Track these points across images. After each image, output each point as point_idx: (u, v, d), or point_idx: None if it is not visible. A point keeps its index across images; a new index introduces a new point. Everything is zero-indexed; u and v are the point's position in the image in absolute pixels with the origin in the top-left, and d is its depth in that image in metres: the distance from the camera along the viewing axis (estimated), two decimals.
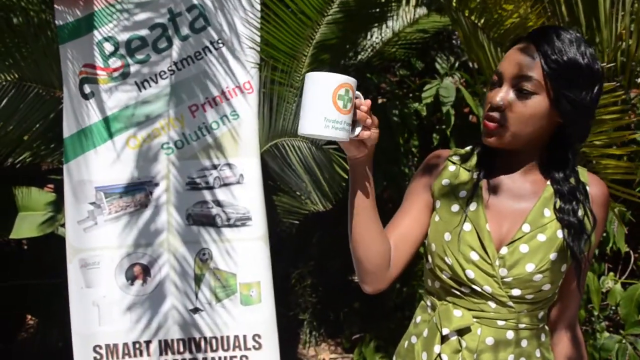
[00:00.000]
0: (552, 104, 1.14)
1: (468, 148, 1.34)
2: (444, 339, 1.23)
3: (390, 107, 3.10)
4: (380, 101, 3.37)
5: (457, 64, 3.31)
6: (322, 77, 1.08)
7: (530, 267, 1.19)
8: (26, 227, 2.86)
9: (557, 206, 1.21)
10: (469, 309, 1.22)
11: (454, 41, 3.37)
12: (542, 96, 1.13)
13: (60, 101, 2.30)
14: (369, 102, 1.14)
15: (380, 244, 1.22)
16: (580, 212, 1.20)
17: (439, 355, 1.23)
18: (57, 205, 2.90)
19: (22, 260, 3.48)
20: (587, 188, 1.24)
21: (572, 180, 1.22)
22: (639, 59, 2.24)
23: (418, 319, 1.34)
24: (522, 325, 1.23)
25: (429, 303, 1.32)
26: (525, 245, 1.19)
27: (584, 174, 1.25)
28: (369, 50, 3.22)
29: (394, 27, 3.21)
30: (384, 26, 3.14)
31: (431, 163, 1.34)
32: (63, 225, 2.90)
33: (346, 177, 2.13)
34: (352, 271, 3.91)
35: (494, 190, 1.24)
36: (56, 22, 2.25)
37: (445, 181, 1.28)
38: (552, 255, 1.19)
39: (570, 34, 1.15)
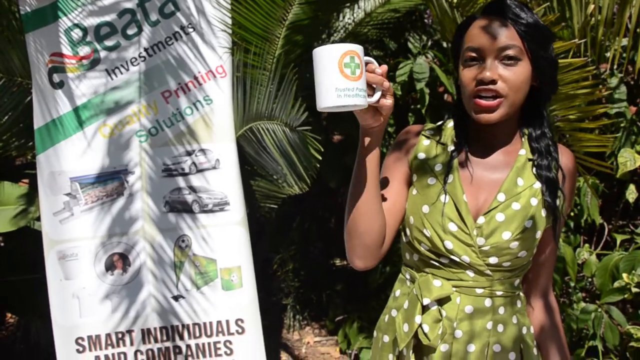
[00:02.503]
0: (533, 65, 1.20)
1: (439, 123, 1.35)
2: (424, 309, 1.25)
3: None
4: None
5: (430, 43, 3.31)
6: (326, 50, 1.09)
7: (506, 235, 1.21)
8: (0, 221, 2.81)
9: (535, 162, 1.25)
10: (448, 279, 1.25)
11: (426, 20, 3.37)
12: (525, 61, 1.18)
13: (29, 91, 2.26)
14: (385, 67, 1.14)
15: (382, 218, 1.22)
16: (553, 169, 1.25)
17: (420, 325, 1.24)
18: (30, 198, 2.85)
19: None
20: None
21: (548, 138, 1.27)
22: (607, 35, 2.26)
23: (397, 292, 1.36)
24: (498, 293, 1.26)
25: (407, 276, 1.33)
26: (501, 214, 1.22)
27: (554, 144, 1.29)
28: (342, 31, 3.21)
29: (365, 7, 3.20)
30: (355, 7, 3.13)
31: (404, 138, 1.36)
32: (38, 219, 2.87)
33: (320, 158, 2.13)
34: (334, 254, 3.92)
35: (469, 162, 1.27)
36: (20, 10, 2.20)
37: (420, 155, 1.30)
38: (527, 223, 1.22)
39: (516, 1, 1.22)
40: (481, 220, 1.22)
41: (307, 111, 2.05)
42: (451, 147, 1.28)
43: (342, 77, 1.06)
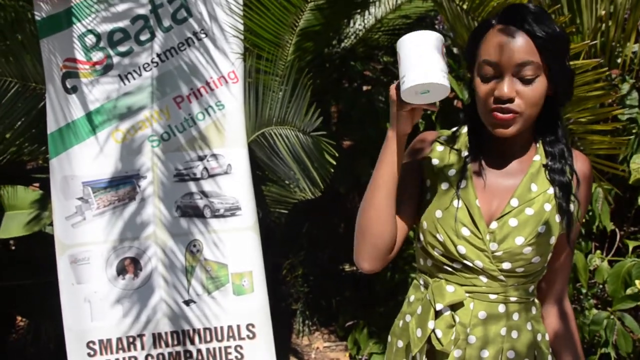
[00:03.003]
0: (549, 78, 1.18)
1: (453, 129, 1.36)
2: (437, 314, 1.25)
3: (375, 94, 3.11)
4: (365, 88, 3.37)
5: None
6: (434, 35, 1.12)
7: (519, 240, 1.21)
8: (14, 226, 2.83)
9: (548, 166, 1.25)
10: (461, 285, 1.25)
11: (437, 26, 3.37)
12: (542, 75, 1.17)
13: (42, 97, 2.28)
14: None
15: (395, 223, 1.24)
16: (567, 173, 1.25)
17: (433, 330, 1.24)
18: (44, 203, 2.87)
19: (9, 261, 3.44)
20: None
21: (562, 143, 1.26)
22: (617, 40, 2.26)
23: (412, 298, 1.36)
24: (512, 299, 1.26)
25: (421, 282, 1.33)
26: (514, 219, 1.22)
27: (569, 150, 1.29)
28: (352, 37, 3.22)
29: (376, 13, 3.21)
30: (366, 13, 3.14)
31: (418, 146, 1.36)
32: (51, 224, 2.89)
33: (334, 163, 2.13)
34: (342, 260, 3.91)
35: (483, 168, 1.27)
36: (36, 16, 2.22)
37: (434, 161, 1.31)
38: (540, 228, 1.22)
39: (535, 7, 1.19)
40: (494, 225, 1.22)
41: (321, 116, 2.06)
42: (465, 153, 1.28)
43: (445, 61, 1.12)
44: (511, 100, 1.16)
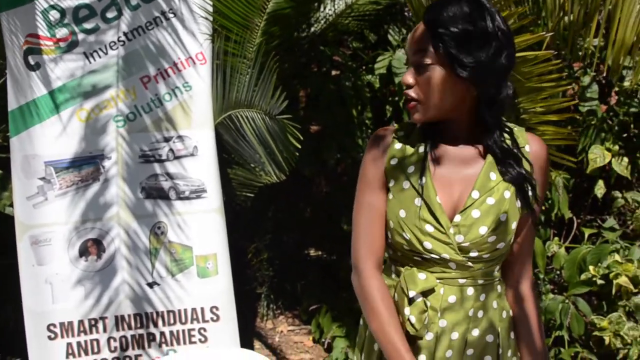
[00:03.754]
0: (450, 70, 1.18)
1: (408, 122, 1.36)
2: (410, 301, 1.28)
3: (344, 79, 3.12)
4: (333, 73, 3.38)
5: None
6: None
7: (483, 230, 1.25)
8: None
9: (498, 168, 1.26)
10: (432, 272, 1.28)
11: (406, 13, 3.39)
12: (438, 65, 1.18)
13: (2, 72, 2.21)
14: None
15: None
16: (518, 167, 1.27)
17: (408, 317, 1.28)
18: (3, 183, 2.79)
19: None
20: (527, 147, 1.29)
21: (507, 140, 1.27)
22: (579, 33, 2.30)
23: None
24: (480, 281, 1.30)
25: (392, 269, 1.36)
26: (477, 210, 1.25)
27: (522, 134, 1.30)
28: (322, 22, 3.21)
29: None
30: None
31: (378, 143, 1.35)
32: (11, 205, 2.82)
33: (299, 147, 2.14)
34: (308, 244, 3.91)
35: (440, 159, 1.28)
36: None
37: (393, 160, 1.31)
38: (502, 216, 1.26)
39: (458, 3, 1.18)
40: (458, 218, 1.25)
41: (287, 100, 2.06)
42: (421, 148, 1.29)
43: None
44: (410, 87, 1.22)
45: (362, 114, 3.18)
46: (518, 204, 1.27)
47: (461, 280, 1.28)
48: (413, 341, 1.29)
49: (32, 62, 2.22)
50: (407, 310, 1.27)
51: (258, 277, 3.55)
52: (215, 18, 2.33)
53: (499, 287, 1.36)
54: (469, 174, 1.27)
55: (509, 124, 1.31)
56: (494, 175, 1.26)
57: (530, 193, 1.27)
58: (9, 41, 2.19)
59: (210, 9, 2.33)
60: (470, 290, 1.29)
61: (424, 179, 1.26)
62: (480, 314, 1.31)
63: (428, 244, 1.25)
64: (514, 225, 1.28)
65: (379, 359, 1.36)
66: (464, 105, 1.24)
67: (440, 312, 1.28)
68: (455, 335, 1.29)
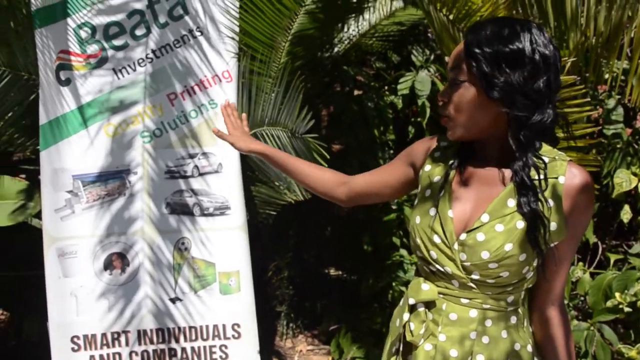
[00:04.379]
0: (480, 89, 1.18)
1: None
2: (412, 308, 1.32)
3: (367, 99, 3.13)
4: (356, 93, 3.40)
5: (432, 57, 3.35)
6: None
7: (485, 255, 1.22)
8: None
9: (516, 198, 1.22)
10: (437, 285, 1.31)
11: (429, 34, 3.41)
12: (471, 83, 1.19)
13: (35, 88, 2.27)
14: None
15: (315, 184, 1.58)
16: (539, 202, 1.20)
17: (408, 322, 1.32)
18: (30, 193, 2.84)
19: None
20: (561, 178, 1.22)
21: (532, 170, 1.21)
22: (603, 56, 2.29)
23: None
24: (486, 306, 1.28)
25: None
26: (482, 234, 1.23)
27: (562, 165, 1.23)
28: (346, 42, 3.24)
29: (370, 19, 3.24)
30: (360, 18, 3.17)
31: (417, 151, 1.41)
32: (36, 216, 2.86)
33: (325, 165, 2.14)
34: (329, 264, 3.90)
35: (466, 177, 1.29)
36: (32, 6, 2.21)
37: (427, 166, 1.35)
38: (508, 246, 1.21)
39: (499, 24, 1.19)
40: (463, 236, 1.25)
41: (313, 119, 2.07)
42: (451, 161, 1.30)
43: None
44: (444, 104, 1.24)
45: (384, 134, 3.18)
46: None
47: (464, 300, 1.28)
48: (411, 349, 1.33)
49: (62, 78, 2.27)
50: (406, 316, 1.32)
51: (278, 295, 3.55)
52: (241, 38, 2.37)
53: (513, 317, 1.31)
54: (487, 196, 1.25)
55: (555, 153, 1.25)
56: (512, 203, 1.22)
57: (542, 231, 1.20)
58: (42, 57, 2.24)
59: (237, 28, 2.37)
60: (473, 313, 1.28)
61: (442, 192, 1.29)
62: (485, 339, 1.28)
63: (434, 254, 1.27)
64: (522, 257, 1.22)
65: (388, 353, 1.41)
66: (496, 127, 1.22)
67: (441, 326, 1.29)
68: (454, 353, 1.28)
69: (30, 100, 2.29)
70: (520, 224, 1.21)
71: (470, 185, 1.28)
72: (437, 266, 1.28)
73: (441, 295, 1.29)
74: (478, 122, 1.22)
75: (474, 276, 1.25)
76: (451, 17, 2.08)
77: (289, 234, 3.62)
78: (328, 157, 2.11)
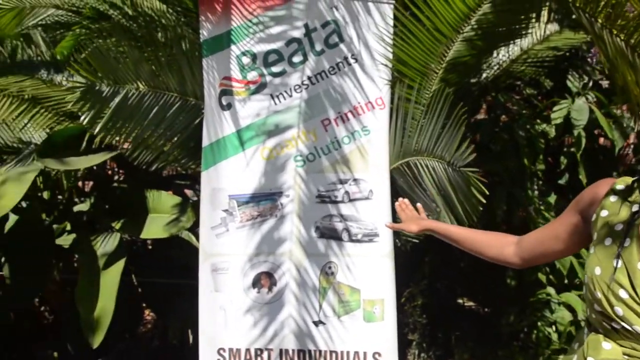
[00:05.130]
0: None
1: (632, 179, 1.27)
2: None
3: (517, 127, 3.00)
4: (504, 120, 3.26)
5: (590, 84, 3.14)
6: None
7: None
8: (155, 228, 3.01)
9: None
10: (620, 345, 1.19)
11: (588, 59, 3.20)
12: None
13: (199, 112, 2.41)
14: None
15: (484, 249, 1.54)
16: None
17: None
18: (183, 208, 3.03)
19: (145, 259, 3.67)
20: None
21: None
22: None
23: (576, 345, 1.34)
24: None
25: (585, 330, 1.30)
26: None
27: None
28: (495, 67, 3.13)
29: (522, 44, 3.10)
30: (511, 43, 3.04)
31: (590, 196, 1.32)
32: (188, 229, 3.05)
33: (484, 201, 2.07)
34: (462, 293, 3.76)
35: None
36: (201, 37, 2.36)
37: (604, 212, 1.26)
38: None
39: None
40: None
41: (474, 153, 2.01)
42: (635, 207, 1.20)
43: None
44: None
45: (534, 164, 3.02)
46: None
47: None
48: None
49: (224, 103, 2.40)
50: None
51: (410, 323, 3.48)
52: (394, 65, 2.37)
53: None
54: None
55: None
56: None
57: None
58: (207, 84, 2.38)
59: (390, 55, 2.37)
60: None
61: (628, 241, 1.18)
62: None
63: (619, 310, 1.16)
64: None
65: None
66: None
67: None
68: None
69: (195, 124, 2.43)
70: None
71: None
72: (623, 324, 1.16)
73: (626, 357, 1.18)
74: None
75: None
76: (632, 41, 1.93)
77: (425, 261, 3.54)
78: (487, 193, 2.03)
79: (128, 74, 2.31)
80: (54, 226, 3.28)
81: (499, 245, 1.51)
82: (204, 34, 2.37)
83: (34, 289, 3.22)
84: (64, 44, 3.13)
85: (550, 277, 3.02)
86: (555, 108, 3.03)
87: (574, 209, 1.35)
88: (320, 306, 2.32)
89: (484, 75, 3.13)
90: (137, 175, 3.31)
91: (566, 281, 2.98)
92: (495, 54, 3.10)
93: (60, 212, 3.44)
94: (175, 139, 2.42)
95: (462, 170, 2.04)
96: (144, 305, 3.83)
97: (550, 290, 3.00)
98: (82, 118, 2.32)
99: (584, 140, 2.97)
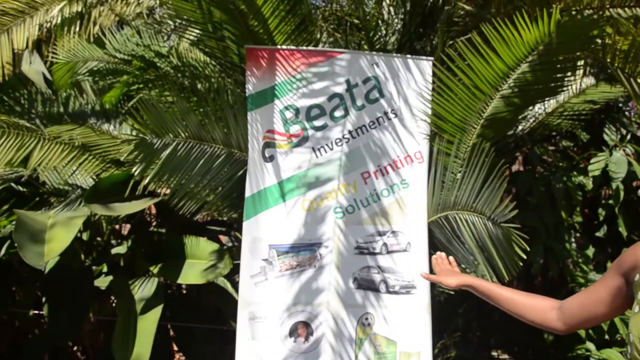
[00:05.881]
0: None
1: None
2: None
3: (555, 180, 3.00)
4: (540, 172, 3.27)
5: (629, 136, 3.15)
6: None
7: None
8: (192, 273, 3.04)
9: None
10: None
11: (626, 112, 3.21)
12: None
13: (243, 164, 2.48)
14: None
15: (525, 311, 1.50)
16: None
17: None
18: (220, 255, 3.07)
19: (179, 304, 3.70)
20: None
21: None
22: None
23: None
24: None
25: None
26: None
27: None
28: (531, 120, 3.16)
29: (558, 97, 3.13)
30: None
31: (629, 258, 1.31)
32: (224, 276, 3.07)
33: (524, 256, 2.07)
34: (497, 345, 3.68)
35: None
36: (247, 91, 2.45)
37: None
38: None
39: None
40: None
41: (516, 209, 2.02)
42: None
43: None
44: None
45: (571, 216, 3.01)
46: None
47: None
48: None
49: (267, 155, 2.47)
50: None
51: None
52: (433, 120, 2.42)
53: None
54: None
55: None
56: None
57: None
58: (251, 136, 2.46)
59: (429, 111, 2.43)
60: None
61: None
62: None
63: None
64: None
65: None
66: None
67: None
68: None
69: (239, 176, 2.50)
70: None
71: None
72: None
73: None
74: None
75: None
76: None
77: (459, 312, 3.51)
78: (528, 249, 2.03)
79: (177, 125, 2.40)
80: (93, 267, 3.35)
81: (542, 310, 1.48)
82: (250, 88, 2.46)
83: (71, 329, 3.26)
84: (112, 93, 3.26)
85: (590, 332, 2.96)
86: (592, 160, 3.03)
87: (615, 272, 1.34)
88: (356, 357, 2.32)
89: (520, 127, 3.16)
90: (173, 219, 3.37)
91: (606, 337, 2.92)
92: (531, 107, 3.14)
93: (99, 253, 3.51)
94: (220, 189, 2.48)
95: (503, 225, 2.05)
96: (176, 349, 3.85)
97: (590, 345, 2.94)
98: (134, 169, 2.39)
99: (622, 193, 2.95)
